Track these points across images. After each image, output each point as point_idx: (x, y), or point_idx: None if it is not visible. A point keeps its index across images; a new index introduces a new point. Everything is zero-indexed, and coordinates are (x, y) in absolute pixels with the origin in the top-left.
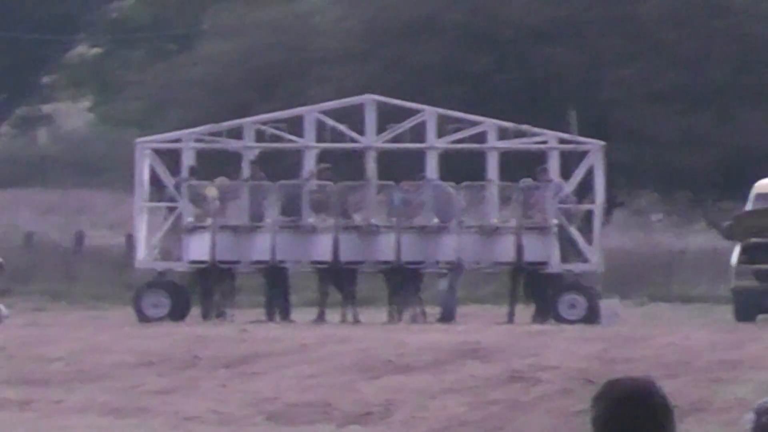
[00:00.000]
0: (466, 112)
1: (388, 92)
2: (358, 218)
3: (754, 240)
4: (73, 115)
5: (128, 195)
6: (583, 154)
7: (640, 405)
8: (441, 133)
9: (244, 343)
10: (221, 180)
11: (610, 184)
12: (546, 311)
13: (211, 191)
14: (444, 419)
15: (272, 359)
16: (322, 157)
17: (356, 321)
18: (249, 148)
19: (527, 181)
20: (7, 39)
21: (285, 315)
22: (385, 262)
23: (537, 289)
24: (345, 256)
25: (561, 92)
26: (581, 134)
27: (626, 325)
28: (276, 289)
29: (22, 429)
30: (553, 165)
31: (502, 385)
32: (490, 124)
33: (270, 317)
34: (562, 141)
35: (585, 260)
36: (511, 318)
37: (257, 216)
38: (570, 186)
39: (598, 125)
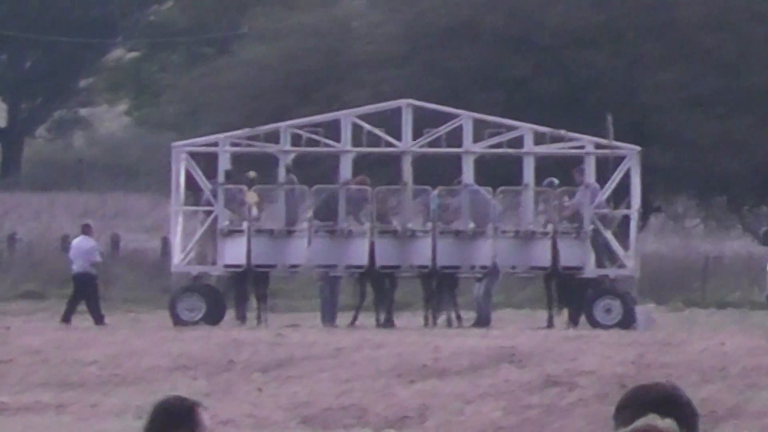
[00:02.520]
0: (503, 116)
1: (426, 97)
2: (395, 223)
3: None
4: (110, 118)
5: (165, 198)
6: (619, 159)
7: (665, 411)
8: (477, 138)
9: (279, 347)
10: (252, 175)
11: (647, 189)
12: (577, 316)
13: (251, 196)
14: (479, 424)
15: (308, 363)
16: (359, 161)
17: (390, 324)
18: (285, 152)
19: (551, 181)
20: (45, 42)
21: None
22: (422, 267)
23: (570, 294)
24: (381, 260)
25: (599, 97)
26: (619, 139)
27: (662, 331)
28: (329, 294)
29: (59, 431)
30: (590, 170)
31: (538, 390)
32: (526, 129)
33: (326, 321)
34: (598, 146)
35: (621, 265)
36: (550, 323)
37: (293, 220)
38: (606, 191)
39: (636, 130)
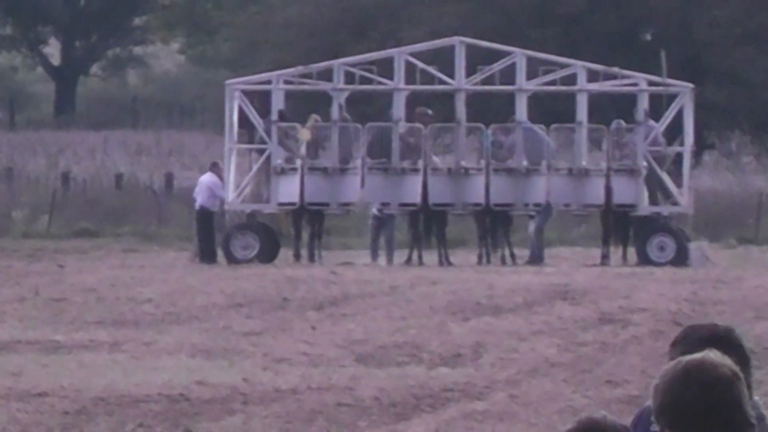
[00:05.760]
0: (558, 54)
1: (481, 34)
2: (447, 160)
3: None
4: (165, 56)
5: (219, 136)
6: (673, 97)
7: (719, 349)
8: (531, 75)
9: (334, 285)
10: (314, 117)
11: (702, 126)
12: (627, 252)
13: (304, 134)
14: (533, 361)
15: (362, 301)
16: (412, 99)
17: (448, 263)
18: (338, 90)
19: (619, 123)
20: None
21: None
22: (475, 204)
23: (623, 231)
24: (434, 198)
25: (654, 34)
26: (673, 76)
27: (716, 268)
28: (379, 231)
29: (113, 370)
30: (643, 107)
31: (592, 327)
32: (579, 67)
33: (374, 259)
34: (651, 83)
35: (674, 203)
36: (604, 260)
37: (346, 158)
38: (659, 128)
39: (690, 67)
